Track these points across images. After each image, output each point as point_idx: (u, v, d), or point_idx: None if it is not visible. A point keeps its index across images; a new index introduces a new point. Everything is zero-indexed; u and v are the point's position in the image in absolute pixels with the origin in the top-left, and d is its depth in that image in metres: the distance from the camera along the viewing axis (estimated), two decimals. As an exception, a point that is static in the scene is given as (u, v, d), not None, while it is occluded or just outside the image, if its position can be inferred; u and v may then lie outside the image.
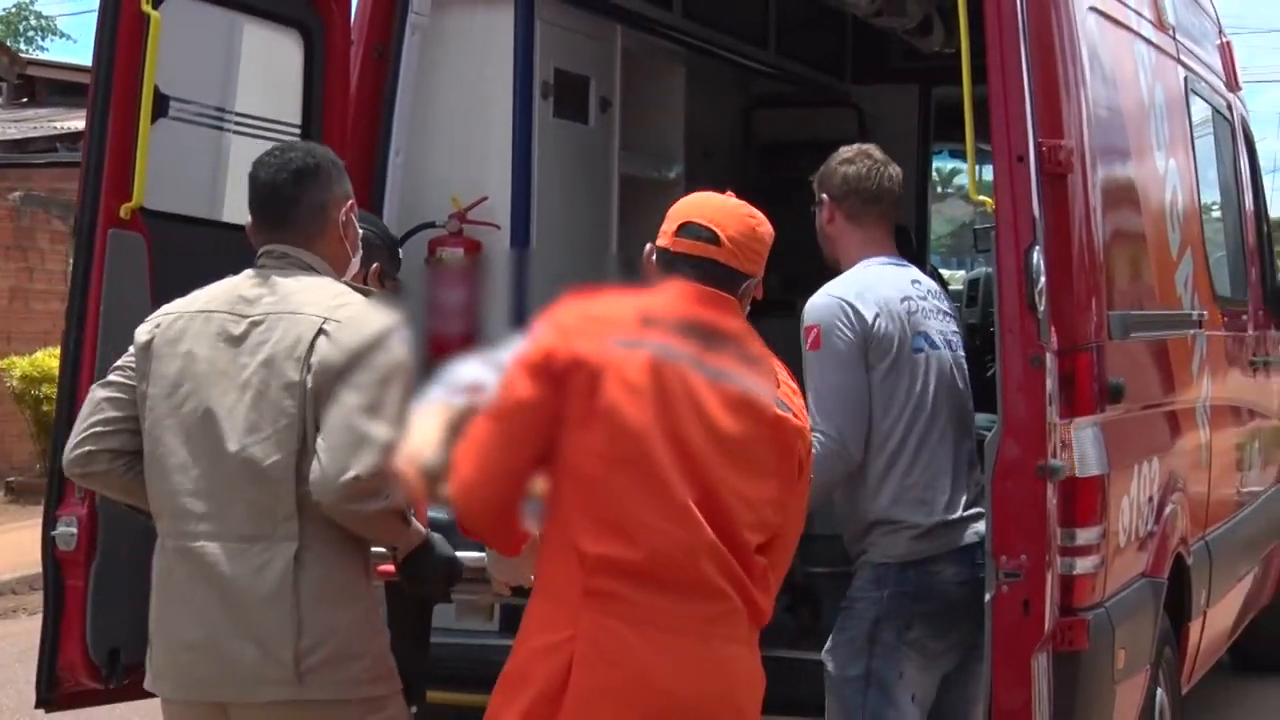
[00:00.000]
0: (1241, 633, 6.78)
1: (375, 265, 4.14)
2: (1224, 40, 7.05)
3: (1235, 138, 6.81)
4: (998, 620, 3.67)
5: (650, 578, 2.87)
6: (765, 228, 3.13)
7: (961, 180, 31.20)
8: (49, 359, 12.14)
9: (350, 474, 2.97)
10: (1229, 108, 6.76)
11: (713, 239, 3.04)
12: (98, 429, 3.22)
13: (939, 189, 24.62)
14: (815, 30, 7.33)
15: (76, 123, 14.60)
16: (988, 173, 4.08)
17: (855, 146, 4.09)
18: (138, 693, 4.17)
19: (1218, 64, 6.71)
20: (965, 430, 3.93)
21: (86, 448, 3.22)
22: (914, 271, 4.07)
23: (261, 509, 3.07)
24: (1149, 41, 5.24)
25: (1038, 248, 3.67)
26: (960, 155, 10.33)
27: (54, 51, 27.35)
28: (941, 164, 10.56)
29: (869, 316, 3.82)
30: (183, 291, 4.16)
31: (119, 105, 4.01)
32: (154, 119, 4.04)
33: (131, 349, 3.26)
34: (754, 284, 3.08)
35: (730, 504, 2.92)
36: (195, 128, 4.32)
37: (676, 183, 6.21)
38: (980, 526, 3.81)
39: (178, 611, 3.12)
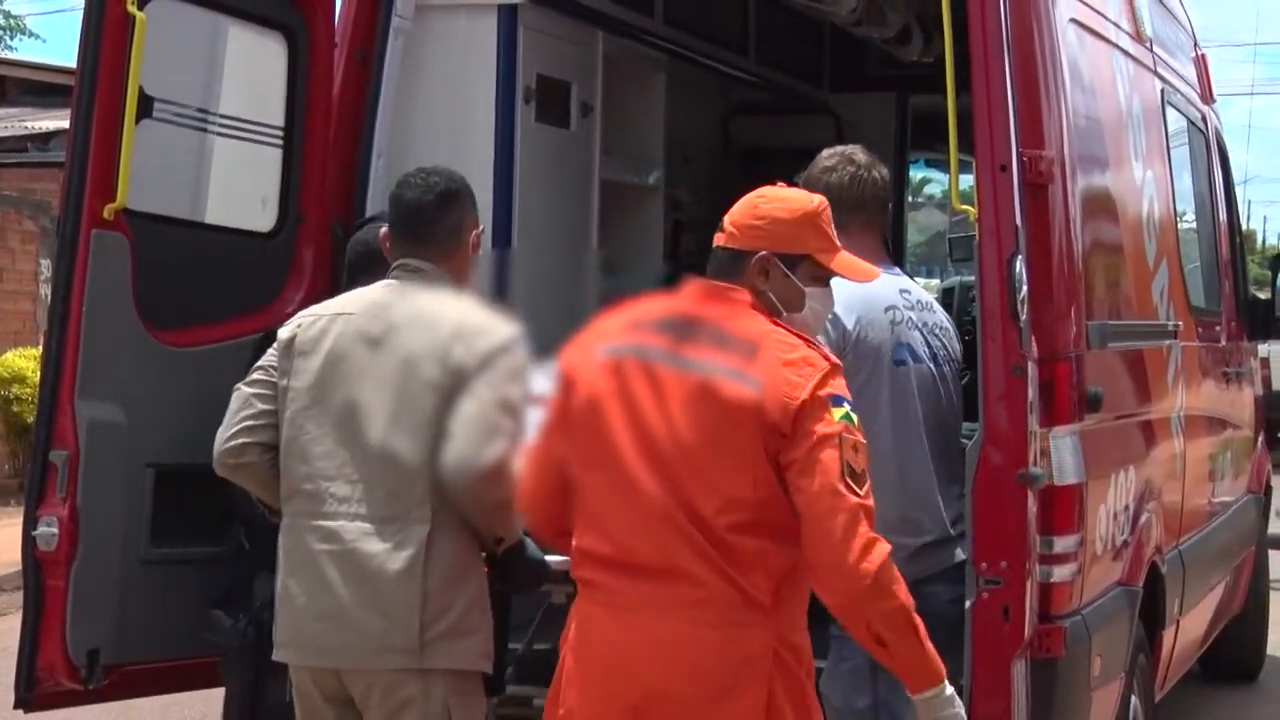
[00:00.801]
0: (1213, 642, 6.83)
1: None
2: (1199, 53, 7.11)
3: (1210, 150, 6.86)
4: (978, 627, 3.69)
5: (624, 566, 2.96)
6: (771, 204, 3.11)
7: (933, 189, 31.34)
8: (19, 360, 12.06)
9: (484, 462, 3.29)
10: (1204, 120, 6.81)
11: (719, 228, 3.12)
12: (249, 423, 3.49)
13: (911, 198, 24.67)
14: (795, 38, 7.36)
15: (47, 123, 14.53)
16: (964, 182, 4.12)
17: (838, 151, 4.01)
18: (116, 693, 4.17)
19: (1193, 76, 6.76)
20: (951, 446, 3.85)
21: (240, 440, 3.49)
22: (904, 281, 4.00)
23: (398, 494, 3.35)
24: (1127, 53, 5.28)
25: (1020, 257, 3.70)
26: (935, 164, 10.37)
27: (23, 51, 27.26)
28: (913, 173, 10.60)
29: (849, 325, 3.76)
30: (165, 292, 4.17)
31: (103, 105, 4.01)
32: (138, 119, 4.03)
33: (273, 348, 3.54)
34: (763, 259, 3.06)
35: (696, 489, 2.96)
36: (179, 129, 4.32)
37: (656, 188, 6.23)
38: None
39: (309, 586, 3.38)
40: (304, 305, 4.52)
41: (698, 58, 6.40)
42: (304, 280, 4.59)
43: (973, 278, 4.15)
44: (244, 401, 3.55)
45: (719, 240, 3.13)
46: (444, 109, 4.92)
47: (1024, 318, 3.71)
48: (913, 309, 3.89)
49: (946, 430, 3.88)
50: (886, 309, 3.84)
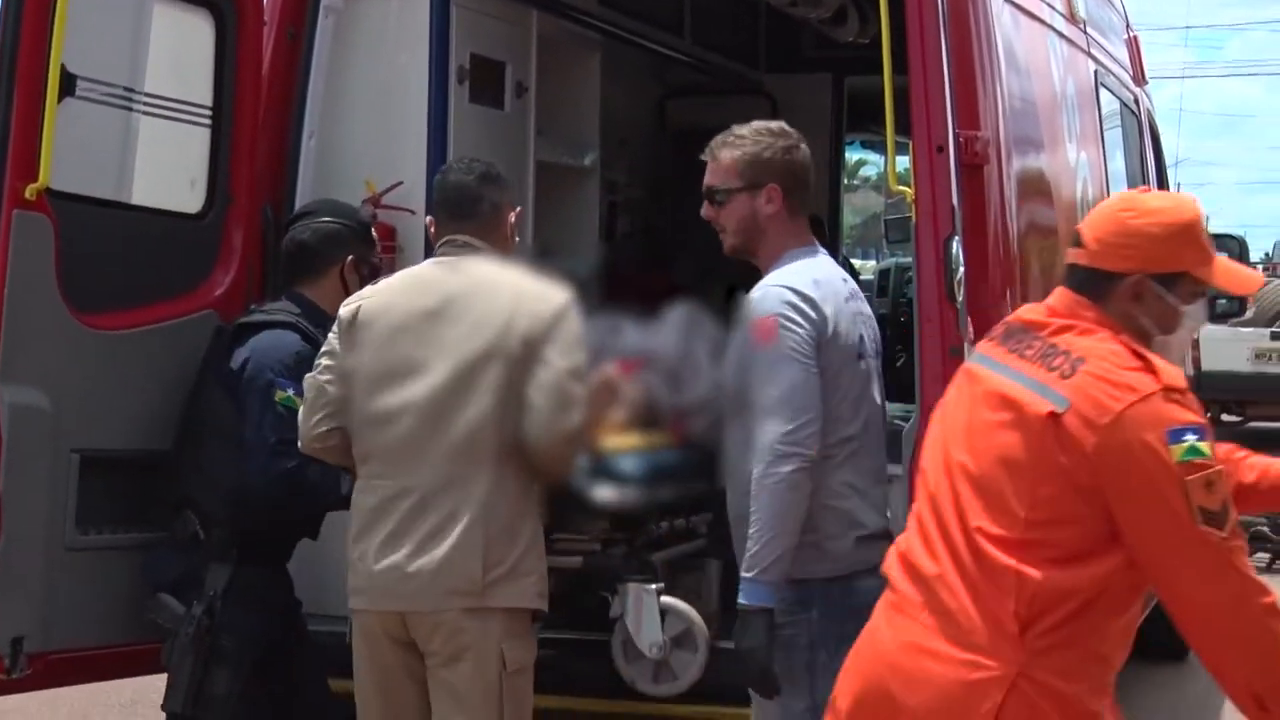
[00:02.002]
0: (1144, 621, 6.87)
1: (349, 258, 4.15)
2: (1131, 34, 7.15)
3: (1142, 131, 6.91)
4: (914, 609, 3.69)
5: (909, 567, 2.82)
6: (1141, 219, 2.79)
7: (869, 171, 31.45)
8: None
9: (571, 426, 3.61)
10: (1136, 101, 6.85)
11: (1077, 242, 2.86)
12: (327, 410, 3.74)
13: (847, 179, 24.77)
14: (730, 19, 7.33)
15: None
16: (901, 164, 4.10)
17: (776, 127, 3.75)
18: (41, 682, 4.10)
19: (1125, 58, 6.80)
20: (882, 442, 3.72)
21: (324, 427, 3.75)
22: (825, 262, 3.77)
23: (463, 454, 3.62)
24: (1061, 34, 5.29)
25: (957, 238, 3.69)
26: (871, 146, 10.39)
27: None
28: (849, 154, 10.63)
29: (828, 311, 3.55)
30: (90, 274, 4.10)
31: (24, 84, 3.92)
32: (60, 98, 3.94)
33: (335, 329, 3.78)
34: (1137, 283, 2.76)
35: (974, 500, 2.73)
36: (103, 108, 4.22)
37: (592, 170, 6.19)
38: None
39: (382, 539, 3.65)
40: (234, 287, 4.49)
41: (633, 38, 6.36)
42: (233, 262, 4.51)
43: (908, 259, 4.15)
44: (318, 390, 3.77)
45: (1076, 256, 2.84)
46: (376, 89, 4.85)
47: (960, 299, 3.70)
48: (856, 298, 3.72)
49: (881, 425, 3.74)
50: (847, 299, 3.65)
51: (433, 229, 3.88)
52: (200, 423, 4.15)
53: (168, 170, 4.58)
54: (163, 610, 4.03)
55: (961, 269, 3.70)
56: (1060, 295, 2.85)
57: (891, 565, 2.86)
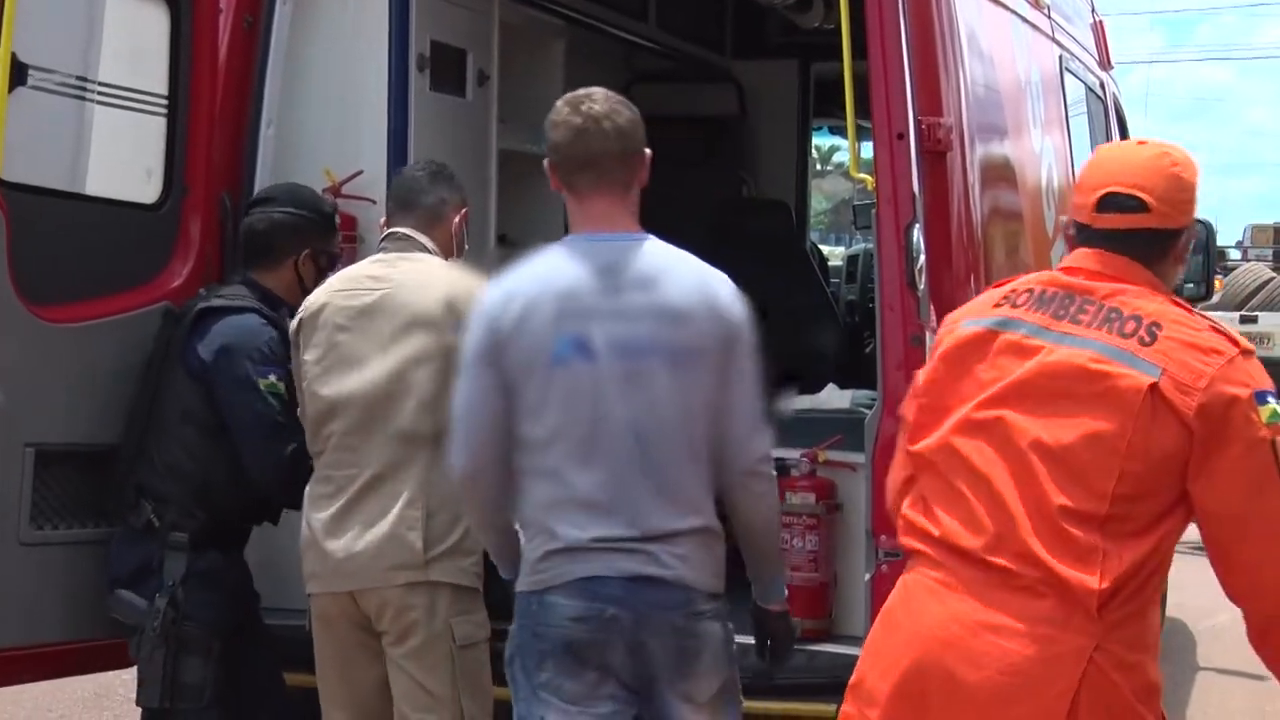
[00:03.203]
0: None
1: (306, 251, 4.12)
2: (1097, 19, 7.14)
3: (1108, 116, 6.90)
4: (877, 600, 3.67)
5: (953, 549, 2.75)
6: (1189, 172, 2.80)
7: (841, 157, 31.44)
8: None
9: None
10: (1102, 86, 6.85)
11: (1141, 206, 2.74)
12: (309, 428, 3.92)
13: (818, 165, 24.76)
14: (696, 4, 7.29)
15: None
16: (868, 150, 4.06)
17: (569, 98, 3.33)
18: (-2, 680, 4.05)
19: (1091, 43, 6.79)
20: (644, 452, 3.20)
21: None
22: (624, 252, 3.24)
23: (405, 441, 3.78)
24: (1025, 20, 5.27)
25: (918, 225, 3.67)
26: (839, 131, 10.36)
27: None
28: (821, 140, 10.61)
29: (515, 310, 3.19)
30: (44, 266, 4.05)
31: (-26, 74, 3.86)
32: (11, 88, 3.88)
33: (292, 349, 3.97)
34: (1187, 234, 2.80)
35: (1048, 476, 2.69)
36: (56, 97, 4.17)
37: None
38: (634, 564, 3.19)
39: (333, 524, 3.81)
40: (191, 278, 4.45)
41: (597, 24, 6.31)
42: (191, 252, 4.46)
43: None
44: (298, 408, 3.98)
45: (1141, 221, 2.75)
46: (335, 77, 4.79)
47: (922, 286, 3.68)
48: (618, 291, 3.21)
49: (645, 432, 3.26)
50: (565, 291, 3.26)
51: (383, 224, 4.04)
52: (162, 412, 4.10)
53: (123, 160, 4.52)
54: (123, 606, 4.00)
55: (923, 256, 3.68)
56: (1100, 258, 2.77)
57: (924, 548, 2.79)
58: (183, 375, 4.09)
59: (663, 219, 7.67)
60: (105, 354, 4.19)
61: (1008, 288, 2.87)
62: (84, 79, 4.26)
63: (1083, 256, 2.80)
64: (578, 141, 3.24)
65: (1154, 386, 2.64)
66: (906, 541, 2.84)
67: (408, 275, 3.88)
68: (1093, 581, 2.65)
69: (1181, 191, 2.78)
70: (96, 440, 4.15)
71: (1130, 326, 2.71)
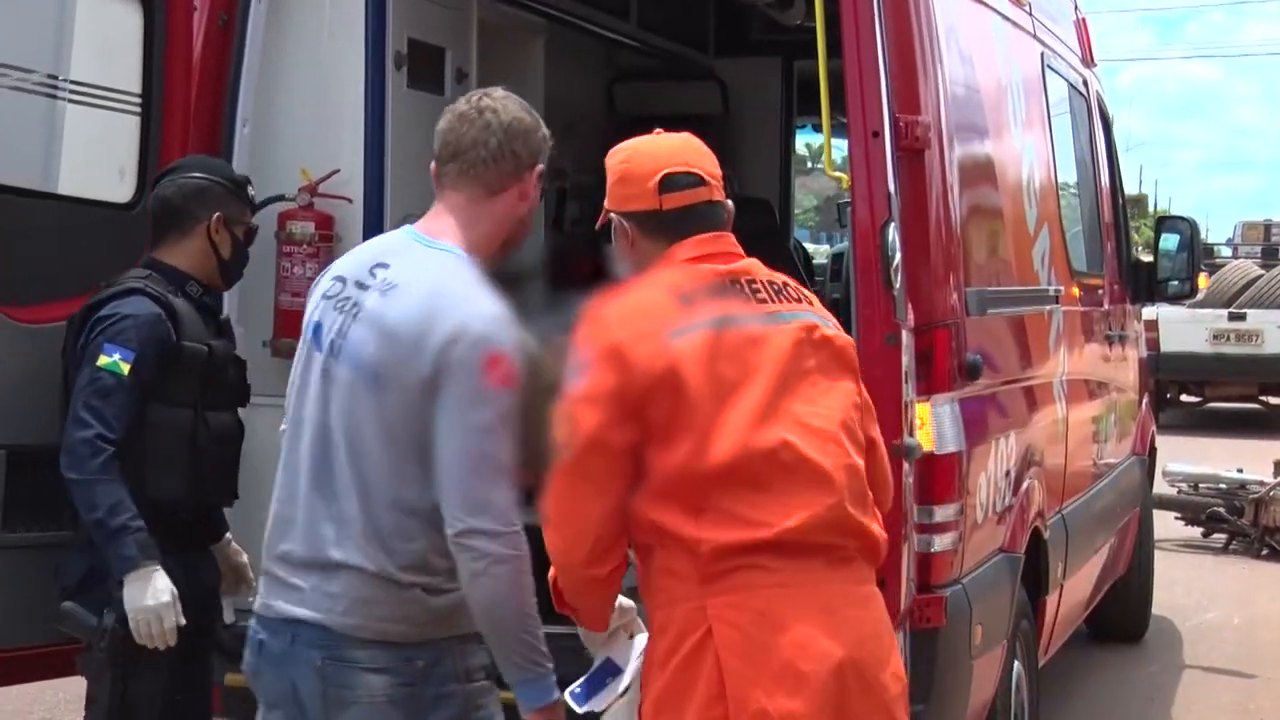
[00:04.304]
0: (1099, 603, 6.89)
1: (217, 215, 3.98)
2: (1079, 16, 7.12)
3: (1091, 113, 6.88)
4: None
5: (781, 545, 2.73)
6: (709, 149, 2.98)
7: (836, 155, 31.22)
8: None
9: None
10: (1085, 84, 6.82)
11: (700, 181, 2.89)
12: None
13: (808, 163, 24.71)
14: (678, 3, 7.27)
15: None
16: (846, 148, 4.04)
17: (472, 93, 3.17)
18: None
19: (1073, 40, 6.77)
20: (326, 467, 2.93)
21: None
22: (403, 252, 3.00)
23: None
24: (1006, 17, 5.25)
25: (893, 225, 3.64)
26: (834, 130, 10.33)
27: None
28: (811, 138, 10.58)
29: (313, 293, 3.08)
30: (16, 266, 4.00)
31: (-57, 72, 3.83)
32: (-20, 87, 3.86)
33: None
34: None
35: (844, 438, 2.81)
36: (26, 95, 4.13)
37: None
38: (282, 599, 2.94)
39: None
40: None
41: (578, 22, 6.28)
42: (165, 253, 4.42)
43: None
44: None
45: (711, 195, 2.90)
46: (311, 75, 4.76)
47: (898, 286, 3.65)
48: (378, 287, 2.96)
49: (349, 439, 2.96)
50: (334, 278, 3.09)
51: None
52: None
53: (96, 159, 4.49)
54: (71, 621, 3.83)
55: (898, 256, 3.65)
56: (720, 239, 2.88)
57: (750, 559, 2.71)
58: (73, 373, 3.89)
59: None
60: (78, 355, 4.14)
61: (678, 294, 2.79)
62: (55, 77, 4.23)
63: (701, 242, 2.86)
64: (455, 128, 3.01)
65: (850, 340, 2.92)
66: (723, 564, 2.71)
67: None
68: (881, 531, 2.86)
69: (715, 164, 2.97)
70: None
71: (793, 291, 2.90)
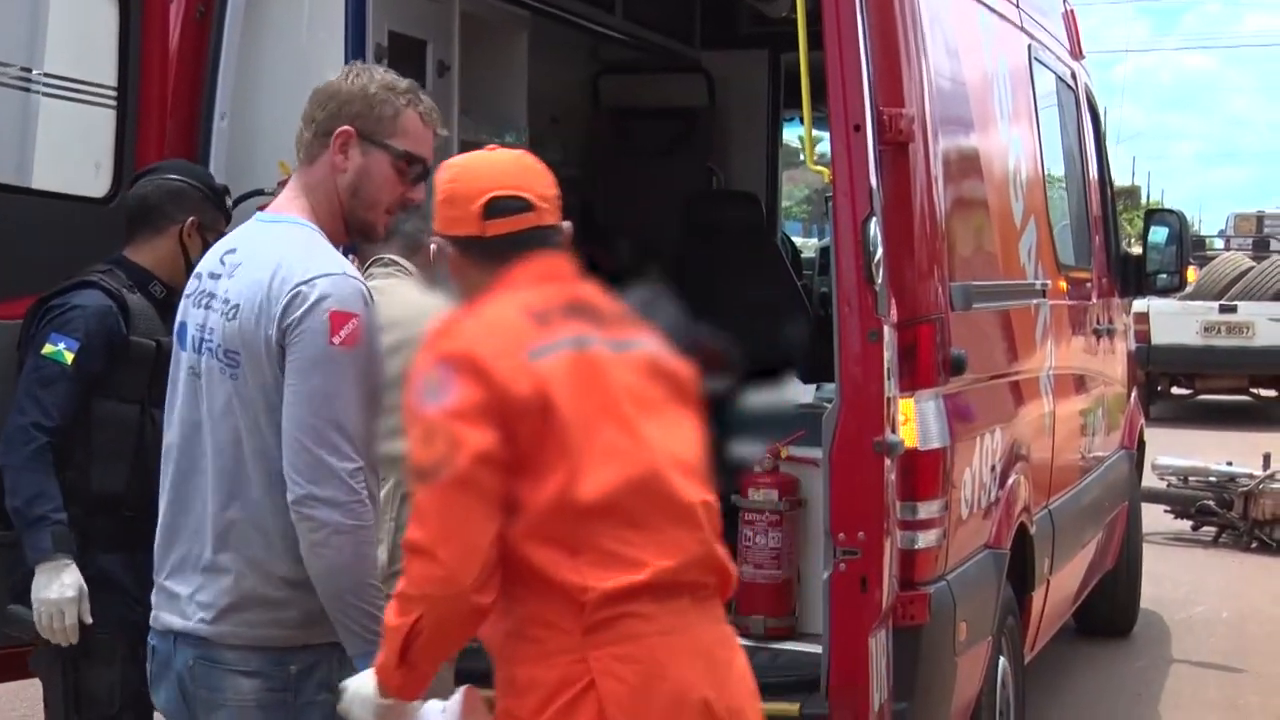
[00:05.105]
0: (1087, 597, 6.86)
1: (191, 219, 3.95)
2: (1068, 8, 7.09)
3: (1079, 106, 6.84)
4: (835, 598, 3.62)
5: (659, 587, 2.55)
6: (547, 169, 2.76)
7: (823, 148, 31.23)
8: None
9: None
10: (1073, 76, 6.78)
11: (527, 206, 2.67)
12: None
13: (799, 156, 24.68)
14: (663, -5, 7.23)
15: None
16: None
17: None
18: None
19: (1061, 32, 6.73)
20: (195, 467, 2.90)
21: None
22: (249, 235, 2.99)
23: None
24: (992, 9, 5.21)
25: (875, 219, 3.60)
26: (819, 123, 10.30)
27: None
28: (801, 131, 10.49)
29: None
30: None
31: (-86, 66, 3.78)
32: (-47, 80, 3.81)
33: None
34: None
35: (701, 474, 2.66)
36: (0, 89, 4.08)
37: (520, 149, 6.06)
38: (165, 608, 2.92)
39: None
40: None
41: (562, 14, 6.23)
42: (143, 247, 4.37)
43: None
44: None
45: (541, 219, 2.69)
46: (291, 68, 4.70)
47: (879, 281, 3.61)
48: (229, 276, 2.93)
49: (216, 441, 2.91)
50: (196, 276, 3.09)
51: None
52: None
53: (71, 153, 4.44)
54: (16, 623, 3.75)
55: (880, 251, 3.61)
56: (558, 262, 2.68)
57: (629, 607, 2.53)
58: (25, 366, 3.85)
59: (630, 212, 7.66)
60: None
61: (531, 313, 2.61)
62: (29, 70, 4.18)
63: (541, 264, 2.67)
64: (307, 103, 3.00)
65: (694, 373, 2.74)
66: (606, 612, 2.53)
67: None
68: (735, 568, 2.72)
69: (553, 187, 2.75)
70: None
71: (633, 319, 2.72)
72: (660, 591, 2.55)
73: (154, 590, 2.98)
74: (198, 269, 3.04)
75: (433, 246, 2.80)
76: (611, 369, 2.60)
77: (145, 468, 3.75)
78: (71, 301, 3.79)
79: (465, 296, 2.71)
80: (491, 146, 2.82)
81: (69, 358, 3.70)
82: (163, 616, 2.93)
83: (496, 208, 2.66)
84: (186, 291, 3.01)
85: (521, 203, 2.66)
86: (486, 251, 2.67)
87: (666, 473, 2.59)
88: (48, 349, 3.72)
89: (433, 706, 2.65)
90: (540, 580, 2.54)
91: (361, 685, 2.64)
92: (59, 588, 3.65)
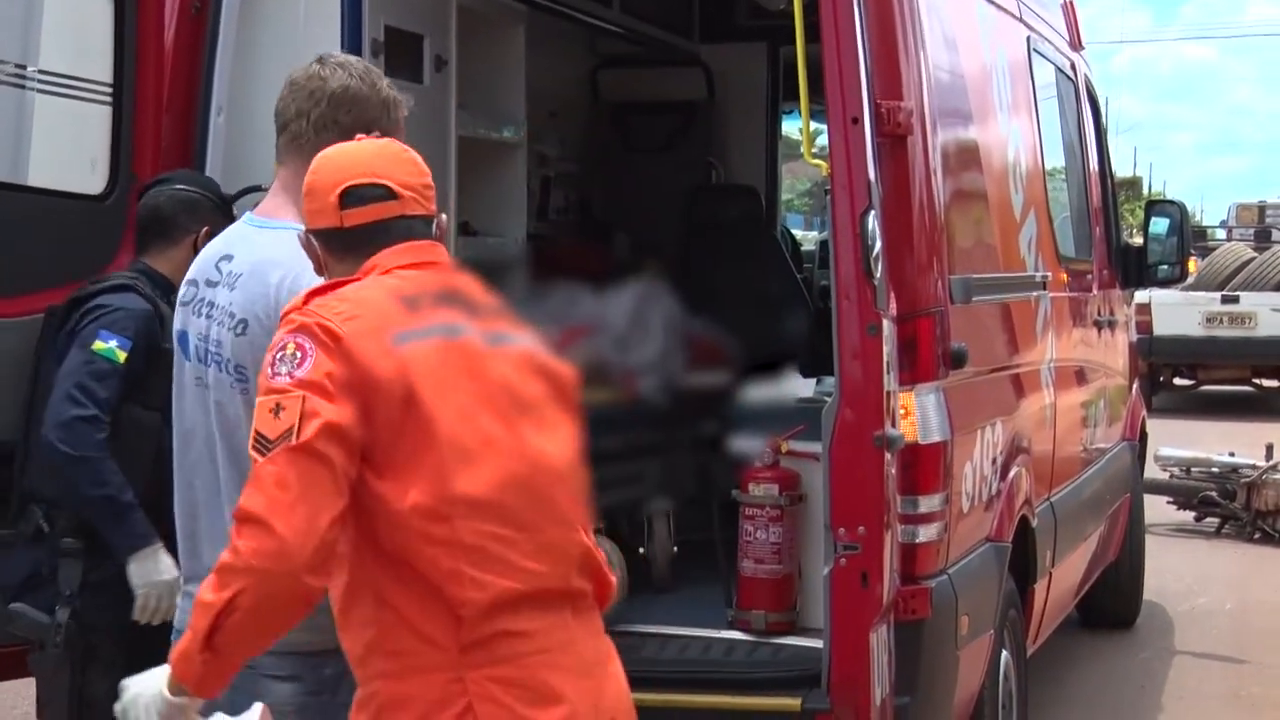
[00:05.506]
0: (1090, 589, 6.85)
1: (205, 229, 3.97)
2: None
3: (1079, 97, 6.82)
4: (835, 593, 3.60)
5: (536, 598, 2.43)
6: (418, 158, 2.62)
7: (822, 141, 31.17)
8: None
9: None
10: (1073, 67, 6.77)
11: (388, 194, 2.52)
12: None
13: (800, 149, 24.60)
14: (662, -12, 7.21)
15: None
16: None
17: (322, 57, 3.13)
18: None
19: (1060, 23, 6.72)
20: (209, 475, 2.94)
21: None
22: (238, 234, 3.00)
23: None
24: (991, 1, 5.20)
25: (873, 212, 3.58)
26: (818, 116, 10.26)
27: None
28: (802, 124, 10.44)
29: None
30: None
31: (-93, 63, 3.77)
32: (-52, 78, 3.80)
33: None
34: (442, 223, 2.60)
35: (575, 480, 2.55)
36: (-7, 86, 4.08)
37: (518, 143, 6.06)
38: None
39: None
40: (139, 270, 4.33)
41: (559, 8, 6.21)
42: (140, 244, 4.36)
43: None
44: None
45: (404, 209, 2.54)
46: (287, 63, 4.62)
47: (878, 275, 3.60)
48: (227, 284, 2.96)
49: (226, 450, 2.94)
50: (188, 283, 3.09)
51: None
52: (42, 410, 3.86)
53: (67, 150, 4.43)
54: (21, 621, 3.77)
55: (879, 244, 3.59)
56: (430, 249, 2.55)
57: (492, 622, 2.40)
58: (54, 364, 3.89)
59: (629, 206, 7.64)
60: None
61: (400, 296, 2.47)
62: (23, 67, 4.17)
63: (412, 249, 2.53)
64: (284, 98, 2.95)
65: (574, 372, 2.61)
66: (485, 628, 2.39)
67: None
68: (612, 576, 2.61)
69: (427, 178, 2.62)
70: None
71: (509, 313, 2.59)
72: (541, 601, 2.43)
73: (181, 596, 3.00)
74: (191, 275, 3.02)
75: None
76: (486, 361, 2.47)
77: (161, 475, 3.77)
78: (116, 303, 3.85)
79: None
80: (360, 137, 2.67)
81: (121, 356, 3.75)
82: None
83: (353, 196, 2.52)
84: (182, 298, 3.00)
85: (380, 190, 2.52)
86: (346, 243, 2.54)
87: (544, 473, 2.47)
88: (99, 345, 3.76)
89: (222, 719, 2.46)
90: (415, 588, 2.39)
91: (148, 683, 2.43)
92: (165, 569, 3.70)
